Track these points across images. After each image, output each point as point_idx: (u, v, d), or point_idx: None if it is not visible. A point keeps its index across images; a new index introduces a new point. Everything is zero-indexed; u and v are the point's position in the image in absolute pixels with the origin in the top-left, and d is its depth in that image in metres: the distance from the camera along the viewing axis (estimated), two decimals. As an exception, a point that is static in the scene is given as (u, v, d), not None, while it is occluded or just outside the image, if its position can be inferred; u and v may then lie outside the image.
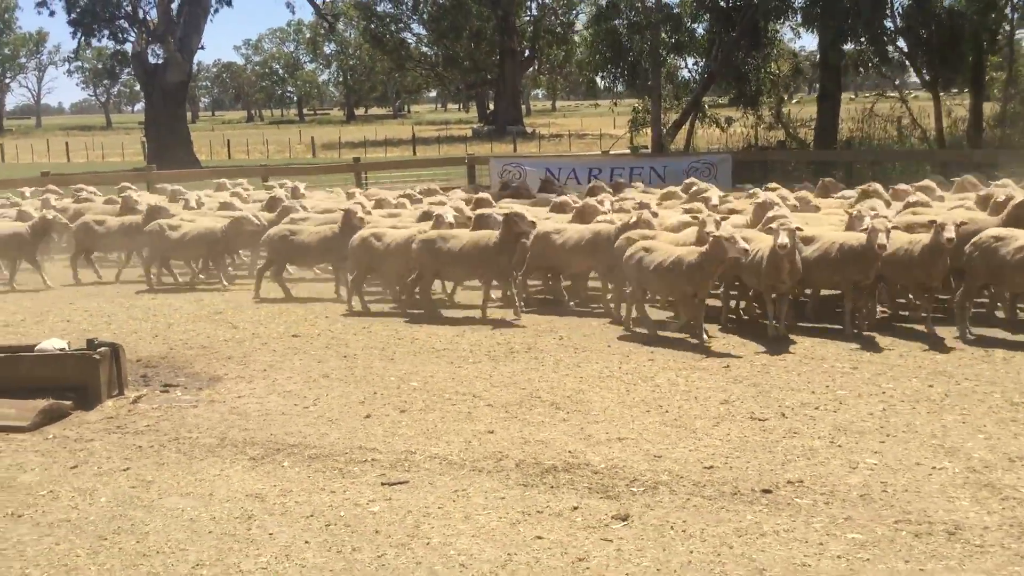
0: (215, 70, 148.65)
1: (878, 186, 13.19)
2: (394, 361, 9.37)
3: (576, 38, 71.70)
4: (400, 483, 6.19)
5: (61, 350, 8.37)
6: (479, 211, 12.30)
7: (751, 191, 14.74)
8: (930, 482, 5.93)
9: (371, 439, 7.07)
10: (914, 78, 32.64)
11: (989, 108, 25.04)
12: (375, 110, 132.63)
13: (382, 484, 6.19)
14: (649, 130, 28.83)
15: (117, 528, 5.65)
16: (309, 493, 6.09)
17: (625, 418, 7.38)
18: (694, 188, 14.66)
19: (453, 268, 11.38)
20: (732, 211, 12.87)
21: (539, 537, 5.33)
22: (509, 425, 7.29)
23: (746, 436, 6.88)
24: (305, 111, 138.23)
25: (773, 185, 14.38)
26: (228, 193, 17.78)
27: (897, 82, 30.00)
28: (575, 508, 5.70)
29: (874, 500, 5.67)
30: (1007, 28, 23.12)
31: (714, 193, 13.65)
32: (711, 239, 9.41)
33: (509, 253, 10.93)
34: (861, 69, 26.40)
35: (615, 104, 33.17)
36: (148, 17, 46.02)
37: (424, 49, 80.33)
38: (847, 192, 14.29)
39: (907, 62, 24.48)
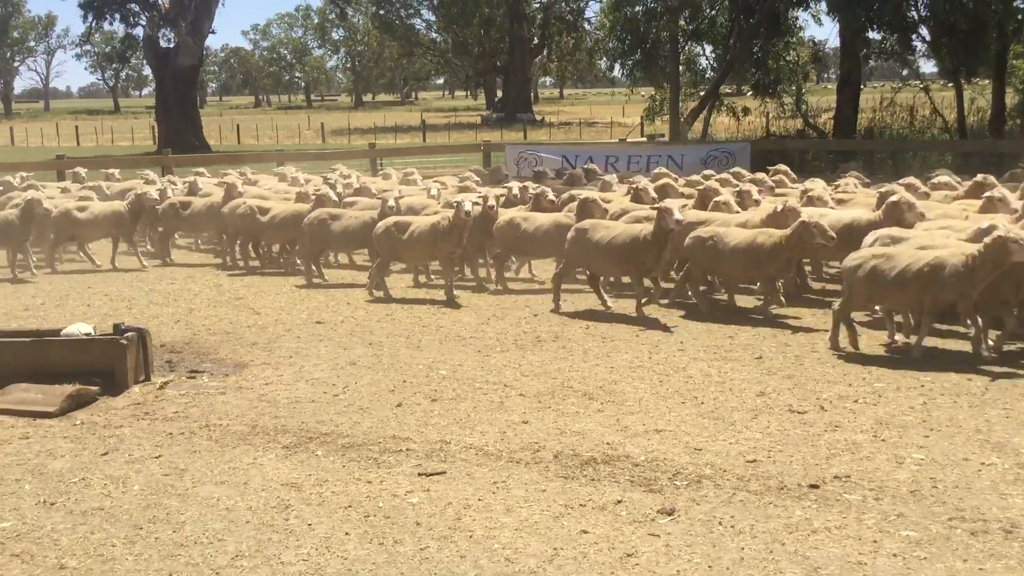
0: (223, 55, 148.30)
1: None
2: (420, 349, 9.25)
3: (587, 26, 71.55)
4: (437, 474, 6.08)
5: (87, 335, 8.27)
6: (583, 196, 12.00)
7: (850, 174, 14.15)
8: (980, 478, 5.80)
9: (404, 428, 6.96)
10: (926, 67, 32.39)
11: (1009, 98, 24.74)
12: (382, 96, 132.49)
13: (419, 475, 6.07)
14: (662, 118, 28.63)
15: (152, 517, 5.54)
16: (345, 483, 5.97)
17: (661, 409, 7.26)
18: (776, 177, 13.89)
19: (602, 260, 10.63)
20: (841, 201, 12.23)
21: (584, 531, 5.21)
22: (543, 415, 7.17)
23: (786, 429, 6.75)
24: (313, 97, 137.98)
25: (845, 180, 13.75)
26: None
27: (905, 71, 29.70)
28: (619, 502, 5.58)
29: (925, 497, 5.55)
30: None
31: (819, 185, 12.81)
32: (994, 236, 7.96)
33: (660, 247, 10.13)
34: (881, 58, 26.08)
35: (631, 92, 32.78)
36: (159, 1, 45.73)
37: (434, 35, 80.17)
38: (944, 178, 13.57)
39: (930, 51, 24.20)
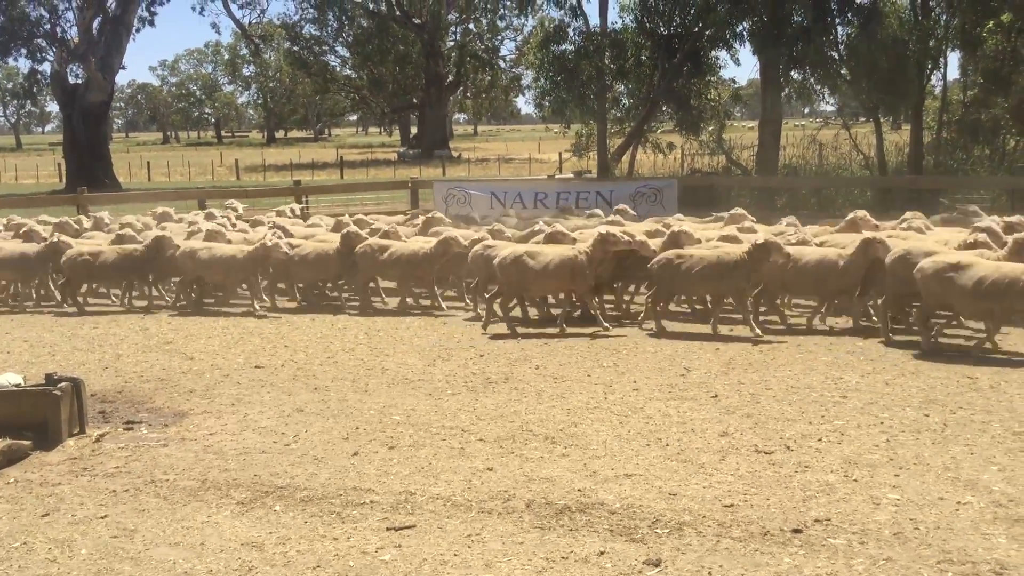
0: (130, 91, 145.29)
1: None
2: (369, 393, 8.95)
3: (502, 63, 72.13)
4: (407, 528, 5.79)
5: (17, 385, 7.77)
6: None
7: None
8: (960, 518, 5.74)
9: (364, 479, 6.65)
10: (829, 107, 33.21)
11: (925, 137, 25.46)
12: (295, 133, 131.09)
13: (388, 529, 5.77)
14: (589, 155, 28.76)
15: (105, 585, 5.15)
16: (310, 541, 5.65)
17: (627, 452, 7.09)
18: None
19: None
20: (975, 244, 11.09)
21: (571, 586, 5.00)
22: (507, 461, 6.94)
23: (757, 471, 6.64)
24: (223, 133, 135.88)
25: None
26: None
27: (805, 109, 30.50)
28: (602, 553, 5.37)
29: (909, 539, 5.46)
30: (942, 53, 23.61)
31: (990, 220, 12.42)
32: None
33: None
34: (803, 97, 26.67)
35: (567, 127, 32.86)
36: (68, 36, 44.63)
37: (348, 72, 79.75)
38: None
39: (849, 90, 24.81)
